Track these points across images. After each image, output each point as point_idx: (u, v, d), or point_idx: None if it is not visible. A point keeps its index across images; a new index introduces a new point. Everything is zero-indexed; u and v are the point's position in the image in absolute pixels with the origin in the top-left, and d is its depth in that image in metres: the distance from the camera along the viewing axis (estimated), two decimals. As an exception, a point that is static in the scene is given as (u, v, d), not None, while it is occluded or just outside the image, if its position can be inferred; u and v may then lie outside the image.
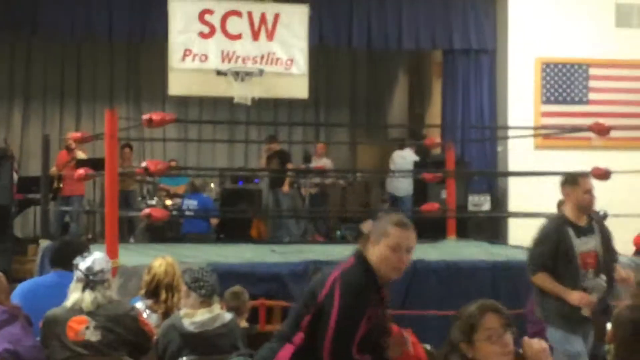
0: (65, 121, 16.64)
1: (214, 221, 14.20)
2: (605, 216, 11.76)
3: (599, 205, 13.41)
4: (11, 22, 15.09)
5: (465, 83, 16.97)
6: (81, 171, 11.75)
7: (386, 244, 4.67)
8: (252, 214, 14.82)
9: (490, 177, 16.14)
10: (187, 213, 13.88)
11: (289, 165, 15.57)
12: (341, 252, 10.16)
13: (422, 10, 16.45)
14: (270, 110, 15.81)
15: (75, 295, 5.96)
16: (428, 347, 5.29)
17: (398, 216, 4.87)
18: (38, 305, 6.08)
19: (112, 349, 5.80)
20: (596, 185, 11.74)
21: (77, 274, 6.00)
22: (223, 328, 6.11)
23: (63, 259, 6.72)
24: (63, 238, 7.95)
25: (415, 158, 15.99)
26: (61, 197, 13.86)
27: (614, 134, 12.84)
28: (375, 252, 4.69)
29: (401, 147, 15.95)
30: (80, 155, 13.49)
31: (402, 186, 15.83)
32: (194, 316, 6.11)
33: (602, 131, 12.12)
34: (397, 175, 15.94)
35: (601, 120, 13.06)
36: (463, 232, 13.52)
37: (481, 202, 15.55)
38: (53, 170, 13.20)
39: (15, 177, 14.14)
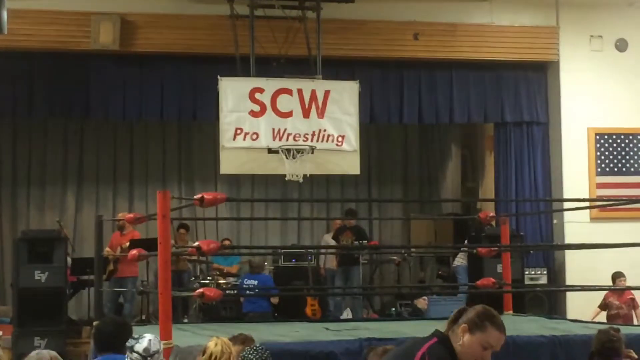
0: (118, 203, 16.78)
1: (274, 300, 14.21)
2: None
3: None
4: (64, 106, 15.40)
5: (518, 155, 16.95)
6: (134, 252, 11.83)
7: (481, 339, 4.71)
8: (308, 291, 14.83)
9: (546, 250, 16.00)
10: (245, 291, 13.92)
11: (371, 243, 15.55)
12: (396, 330, 10.18)
13: (473, 84, 16.57)
14: (323, 187, 15.83)
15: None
16: None
17: (499, 317, 4.84)
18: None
19: None
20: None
21: (134, 356, 6.03)
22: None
23: (111, 342, 6.76)
24: (106, 319, 7.91)
25: None
26: (115, 278, 13.98)
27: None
28: (466, 341, 4.72)
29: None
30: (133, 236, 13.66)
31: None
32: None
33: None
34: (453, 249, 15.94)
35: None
36: (520, 308, 13.38)
37: (538, 276, 15.45)
38: (107, 251, 13.31)
39: (69, 259, 14.30)
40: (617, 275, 14.20)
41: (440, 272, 16.49)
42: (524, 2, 16.24)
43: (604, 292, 14.09)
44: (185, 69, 15.39)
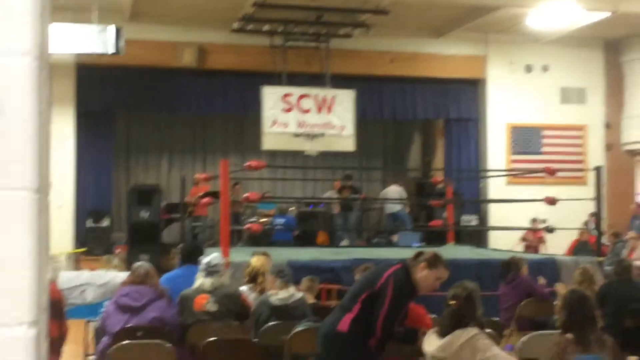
0: (196, 167, 16.77)
1: (295, 233, 14.33)
2: (552, 230, 11.68)
3: (549, 222, 13.34)
4: (160, 104, 15.52)
5: (458, 140, 17.01)
6: (206, 200, 11.91)
7: (435, 274, 4.70)
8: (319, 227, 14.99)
9: (476, 203, 16.05)
10: (276, 228, 13.99)
11: (362, 196, 15.66)
12: (376, 254, 10.20)
13: (429, 93, 16.58)
14: (330, 158, 15.81)
15: (199, 281, 6.00)
16: (433, 315, 5.25)
17: (446, 260, 4.85)
18: (176, 288, 6.12)
19: (224, 317, 5.82)
20: (546, 208, 11.70)
21: (201, 267, 6.04)
22: (296, 302, 6.08)
23: (189, 257, 6.80)
24: (186, 243, 7.99)
25: (401, 191, 15.91)
26: (193, 217, 14.00)
27: (559, 174, 12.80)
28: (424, 274, 4.69)
29: (396, 182, 15.95)
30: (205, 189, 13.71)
31: (396, 206, 15.76)
32: (277, 295, 6.11)
33: (551, 172, 12.03)
34: (406, 202, 15.97)
35: (550, 165, 12.99)
36: (458, 240, 13.44)
37: (470, 220, 15.52)
38: (187, 199, 13.36)
39: (163, 203, 14.42)
40: (534, 220, 14.27)
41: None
42: (464, 39, 16.13)
43: (516, 231, 14.10)
44: (240, 80, 15.38)
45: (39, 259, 1.48)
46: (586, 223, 14.32)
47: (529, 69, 16.70)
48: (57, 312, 5.37)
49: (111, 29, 12.10)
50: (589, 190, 12.07)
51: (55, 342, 5.46)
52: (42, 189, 1.53)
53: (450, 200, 14.11)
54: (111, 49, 12.31)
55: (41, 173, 1.50)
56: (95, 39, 12.18)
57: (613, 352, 4.35)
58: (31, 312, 1.46)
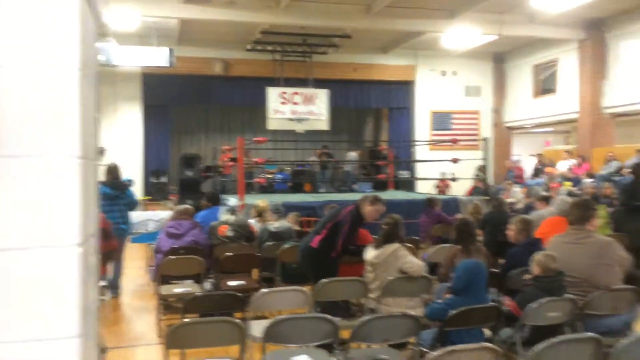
0: (223, 141, 16.46)
1: (289, 184, 14.16)
2: (455, 179, 11.68)
3: (456, 174, 13.27)
4: (199, 99, 15.22)
5: (397, 122, 16.82)
6: (230, 163, 11.80)
7: (375, 209, 4.65)
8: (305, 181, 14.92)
9: (408, 163, 15.97)
10: (277, 181, 13.90)
11: (334, 159, 15.54)
12: (342, 197, 10.20)
13: (379, 90, 16.31)
14: (313, 135, 15.66)
15: (224, 216, 6.00)
16: (374, 236, 5.27)
17: (384, 199, 4.79)
18: (206, 221, 6.10)
19: (238, 239, 5.82)
20: (453, 165, 11.69)
21: (225, 208, 6.01)
22: (286, 229, 6.10)
23: (212, 201, 6.73)
24: (210, 192, 7.87)
25: (355, 155, 15.76)
26: (222, 174, 13.90)
27: (461, 143, 12.80)
28: (368, 209, 4.65)
29: (352, 150, 15.90)
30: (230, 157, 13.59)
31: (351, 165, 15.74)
32: (274, 224, 6.13)
33: (455, 142, 12.03)
34: (359, 163, 15.86)
35: (457, 137, 12.99)
36: (397, 187, 13.45)
37: (404, 174, 15.50)
38: (219, 162, 13.22)
39: (202, 166, 14.27)
40: (443, 173, 14.28)
41: (362, 173, 16.32)
42: (401, 54, 15.94)
43: (433, 180, 14.14)
44: (252, 82, 15.08)
45: (84, 200, 1.48)
46: (478, 175, 14.40)
47: (444, 73, 16.56)
48: (104, 234, 5.28)
49: (165, 49, 11.95)
50: (480, 154, 12.14)
51: (103, 257, 5.43)
52: (86, 155, 1.53)
53: (391, 161, 14.10)
54: (166, 63, 12.17)
55: (84, 144, 1.50)
56: (155, 56, 12.04)
57: (486, 257, 4.43)
58: (80, 235, 1.48)
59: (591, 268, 3.74)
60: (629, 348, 2.53)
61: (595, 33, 13.48)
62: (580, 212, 3.97)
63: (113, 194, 6.11)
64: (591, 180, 10.56)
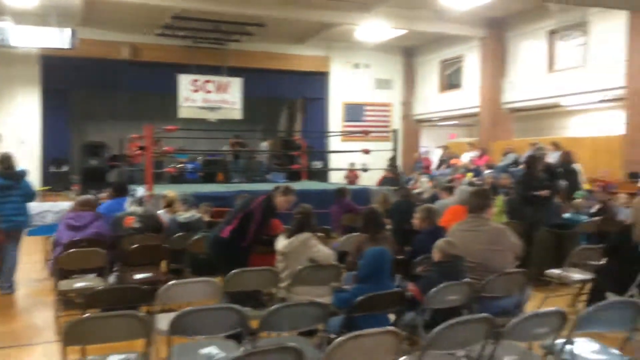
0: (131, 130, 15.75)
1: (200, 174, 13.80)
2: (366, 170, 11.97)
3: (369, 165, 13.58)
4: (103, 84, 14.49)
5: (312, 112, 16.92)
6: (138, 152, 11.33)
7: (287, 199, 4.65)
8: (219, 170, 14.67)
9: (321, 153, 16.14)
10: (188, 170, 13.51)
11: (247, 149, 15.25)
12: (256, 187, 10.12)
13: (296, 80, 16.33)
14: (226, 124, 15.40)
15: (131, 207, 5.82)
16: (286, 226, 5.28)
17: (295, 190, 4.81)
18: (111, 212, 5.84)
19: (145, 231, 5.62)
20: (365, 156, 11.95)
21: (130, 198, 5.80)
22: (195, 220, 6.00)
23: (118, 192, 6.44)
24: (115, 182, 7.51)
25: (267, 145, 15.82)
26: (130, 164, 13.34)
27: (372, 134, 13.15)
28: (280, 199, 4.64)
29: (266, 139, 15.95)
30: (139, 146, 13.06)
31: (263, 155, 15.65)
32: (183, 215, 6.00)
33: (366, 133, 12.34)
34: (273, 153, 15.80)
35: (368, 129, 13.33)
36: (310, 177, 13.57)
37: (318, 164, 15.66)
38: (127, 151, 12.66)
39: (108, 154, 13.62)
40: (352, 164, 14.50)
41: (275, 163, 16.33)
42: (316, 45, 16.05)
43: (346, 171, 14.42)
44: (162, 69, 14.60)
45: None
46: (389, 166, 14.83)
47: (357, 66, 16.91)
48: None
49: (67, 30, 11.30)
50: (390, 145, 12.52)
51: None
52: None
53: (304, 151, 14.21)
54: (67, 45, 11.48)
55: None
56: (55, 37, 11.36)
57: (392, 245, 4.60)
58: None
59: (486, 253, 4.00)
60: (517, 326, 2.75)
61: (496, 32, 14.34)
62: (477, 201, 4.23)
63: (6, 185, 5.73)
64: (490, 171, 11.24)
